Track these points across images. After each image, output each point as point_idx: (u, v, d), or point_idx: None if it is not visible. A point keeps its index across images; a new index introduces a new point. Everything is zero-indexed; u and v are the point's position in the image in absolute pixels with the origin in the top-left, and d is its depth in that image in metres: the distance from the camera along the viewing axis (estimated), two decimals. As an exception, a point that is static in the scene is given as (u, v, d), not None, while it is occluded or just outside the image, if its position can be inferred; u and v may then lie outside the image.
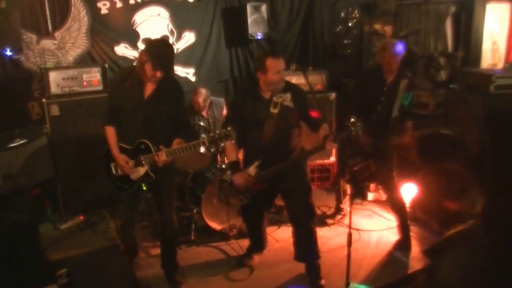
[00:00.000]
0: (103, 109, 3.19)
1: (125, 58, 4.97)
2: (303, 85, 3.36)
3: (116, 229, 4.17)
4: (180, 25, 5.23)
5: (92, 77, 4.39)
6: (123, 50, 4.98)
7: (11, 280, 2.47)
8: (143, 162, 3.00)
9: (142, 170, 3.03)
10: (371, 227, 4.26)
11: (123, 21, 4.92)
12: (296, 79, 4.12)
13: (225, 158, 4.09)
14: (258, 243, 3.71)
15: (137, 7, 4.97)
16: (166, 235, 3.32)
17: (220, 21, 5.44)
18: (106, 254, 3.17)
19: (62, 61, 4.61)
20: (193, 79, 5.39)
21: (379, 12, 5.62)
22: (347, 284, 2.92)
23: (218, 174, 3.95)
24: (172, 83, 3.08)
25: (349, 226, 2.88)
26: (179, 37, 5.25)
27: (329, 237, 4.06)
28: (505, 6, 4.98)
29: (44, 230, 4.22)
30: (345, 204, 4.32)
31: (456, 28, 5.11)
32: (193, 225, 4.07)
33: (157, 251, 3.66)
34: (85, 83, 4.36)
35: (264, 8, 5.23)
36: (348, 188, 4.13)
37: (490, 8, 4.89)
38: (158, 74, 2.88)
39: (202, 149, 3.67)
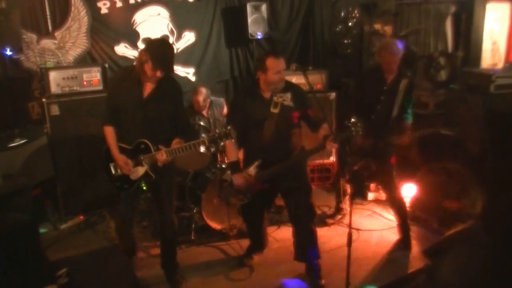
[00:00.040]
0: (102, 109, 3.18)
1: (125, 58, 4.97)
2: (303, 85, 3.36)
3: (116, 229, 4.17)
4: (180, 25, 5.22)
5: (92, 77, 4.39)
6: (123, 49, 4.98)
7: (11, 280, 2.46)
8: (143, 162, 3.00)
9: (141, 170, 3.03)
10: (371, 227, 4.26)
11: (123, 21, 4.92)
12: (296, 79, 4.11)
13: (225, 158, 4.09)
14: (258, 243, 3.70)
15: (137, 6, 4.97)
16: (166, 235, 3.32)
17: (220, 20, 5.44)
18: (106, 254, 3.16)
19: (62, 60, 4.61)
20: (193, 79, 5.39)
21: (379, 12, 5.62)
22: (347, 284, 2.92)
23: (218, 174, 3.95)
24: (171, 83, 3.08)
25: (349, 226, 2.88)
26: (179, 37, 5.25)
27: (329, 237, 4.06)
28: (505, 6, 4.98)
29: (44, 230, 4.22)
30: (345, 204, 4.32)
31: (456, 28, 5.11)
32: (193, 225, 4.07)
33: (157, 251, 3.66)
34: (85, 82, 4.36)
35: (264, 7, 5.23)
36: (348, 188, 4.13)
37: (490, 8, 4.90)
38: (158, 73, 2.89)
39: (202, 149, 3.67)
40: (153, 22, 5.07)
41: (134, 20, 4.98)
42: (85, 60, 4.77)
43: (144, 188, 3.58)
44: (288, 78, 3.23)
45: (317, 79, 4.72)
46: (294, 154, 3.22)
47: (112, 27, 4.89)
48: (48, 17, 4.55)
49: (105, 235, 4.20)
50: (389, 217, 4.33)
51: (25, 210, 3.66)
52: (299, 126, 3.26)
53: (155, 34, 4.97)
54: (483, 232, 1.72)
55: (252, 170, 3.14)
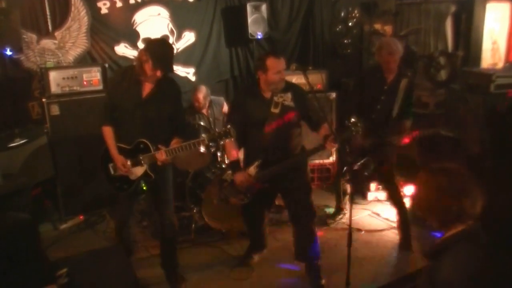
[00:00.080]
0: (101, 109, 3.18)
1: (125, 58, 4.96)
2: (303, 85, 3.35)
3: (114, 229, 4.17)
4: (180, 25, 5.22)
5: (92, 77, 4.39)
6: (123, 49, 4.98)
7: (11, 280, 2.46)
8: (142, 162, 2.99)
9: (141, 170, 3.02)
10: (371, 227, 4.26)
11: (123, 21, 4.92)
12: (296, 79, 4.11)
13: (225, 158, 4.09)
14: (258, 243, 3.70)
15: (137, 6, 4.96)
16: (166, 235, 3.32)
17: (220, 20, 5.44)
18: (106, 254, 3.16)
19: (62, 60, 4.61)
20: (193, 78, 5.39)
21: (379, 12, 5.62)
22: (347, 284, 2.92)
23: (218, 174, 3.95)
24: (170, 83, 3.09)
25: (349, 226, 2.88)
26: (179, 37, 5.25)
27: (329, 237, 4.06)
28: (505, 6, 4.98)
29: (44, 230, 4.21)
30: (345, 204, 4.32)
31: (456, 27, 5.11)
32: (193, 225, 4.06)
33: (157, 250, 3.66)
34: (85, 82, 4.36)
35: (264, 7, 5.23)
36: (348, 188, 4.13)
37: (490, 8, 4.90)
38: (158, 73, 2.89)
39: (202, 149, 3.67)
40: (153, 22, 5.07)
41: (134, 20, 4.98)
42: (85, 60, 4.77)
43: (144, 188, 3.58)
44: (288, 78, 3.23)
45: (317, 79, 4.72)
46: (294, 154, 3.22)
47: (112, 27, 4.88)
48: (48, 17, 4.55)
49: (105, 235, 4.20)
50: (389, 217, 4.33)
51: (25, 210, 3.65)
52: (299, 126, 3.26)
53: (155, 34, 4.96)
54: (483, 232, 1.72)
55: (252, 170, 3.14)
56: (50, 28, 4.58)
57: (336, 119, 4.97)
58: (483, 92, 4.19)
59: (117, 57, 4.94)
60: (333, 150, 4.38)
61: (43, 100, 4.24)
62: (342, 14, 5.79)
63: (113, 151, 3.02)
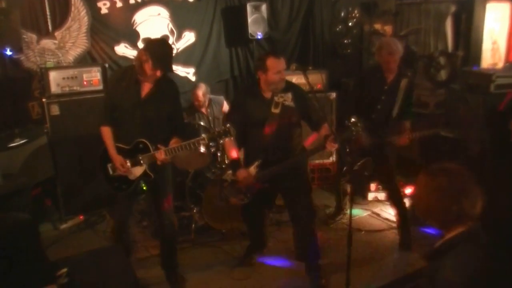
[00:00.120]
0: (101, 109, 3.18)
1: (125, 58, 4.96)
2: (303, 85, 3.35)
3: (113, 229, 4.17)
4: (180, 25, 5.22)
5: (92, 77, 4.39)
6: (123, 49, 4.98)
7: (11, 280, 2.46)
8: (142, 162, 2.99)
9: (140, 170, 3.02)
10: (371, 227, 4.26)
11: (123, 21, 4.92)
12: (296, 79, 4.11)
13: (225, 158, 4.09)
14: (258, 243, 3.70)
15: (137, 6, 4.97)
16: (166, 235, 3.32)
17: (220, 20, 5.44)
18: (106, 254, 3.15)
19: (62, 60, 4.61)
20: (193, 78, 5.39)
21: (379, 12, 5.63)
22: (347, 284, 2.92)
23: (218, 174, 3.95)
24: (169, 83, 3.09)
25: (349, 226, 2.88)
26: (179, 37, 5.25)
27: (329, 237, 4.06)
28: (505, 6, 4.97)
29: (44, 230, 4.21)
30: (345, 204, 4.32)
31: (456, 27, 5.11)
32: (193, 225, 4.06)
33: (157, 250, 3.66)
34: (85, 82, 4.36)
35: (264, 7, 5.23)
36: (348, 188, 4.13)
37: (490, 8, 4.89)
38: (158, 73, 2.89)
39: (202, 149, 3.67)
40: (153, 22, 5.07)
41: (134, 20, 4.98)
42: (85, 60, 4.77)
43: (144, 188, 3.58)
44: (288, 78, 3.23)
45: (317, 79, 4.72)
46: (295, 154, 3.22)
47: (112, 27, 4.88)
48: (48, 17, 4.55)
49: (105, 235, 4.19)
50: (389, 217, 4.33)
51: (25, 210, 3.66)
52: (299, 126, 3.26)
53: (155, 34, 4.97)
54: (483, 232, 1.71)
55: (252, 170, 3.14)
56: (50, 28, 4.58)
57: (336, 119, 4.97)
58: (483, 92, 4.18)
59: (117, 57, 4.94)
60: (333, 150, 4.38)
61: (43, 100, 4.24)
62: (342, 14, 5.79)
63: (112, 151, 3.02)
